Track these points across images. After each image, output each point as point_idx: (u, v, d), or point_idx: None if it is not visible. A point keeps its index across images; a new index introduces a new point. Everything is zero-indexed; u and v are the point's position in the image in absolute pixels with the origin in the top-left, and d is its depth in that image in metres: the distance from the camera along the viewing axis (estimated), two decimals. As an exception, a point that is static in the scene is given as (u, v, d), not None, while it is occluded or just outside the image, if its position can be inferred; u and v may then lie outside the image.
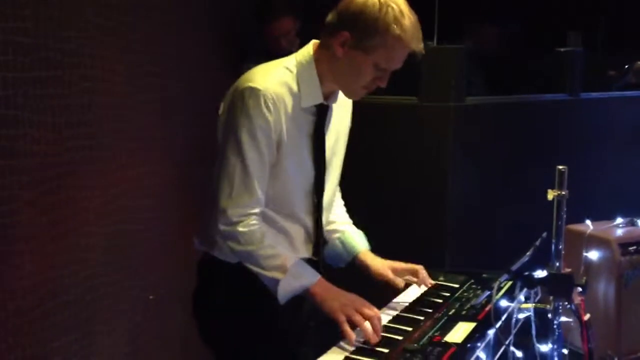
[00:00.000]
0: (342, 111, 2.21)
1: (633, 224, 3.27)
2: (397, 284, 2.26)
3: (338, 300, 1.99)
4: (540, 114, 3.71)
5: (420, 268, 2.31)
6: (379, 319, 1.98)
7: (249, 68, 2.71)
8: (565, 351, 2.16)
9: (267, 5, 3.53)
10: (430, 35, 3.60)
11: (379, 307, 2.13)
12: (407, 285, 2.36)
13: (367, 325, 1.93)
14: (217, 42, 3.56)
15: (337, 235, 2.32)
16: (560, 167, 1.95)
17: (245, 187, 1.99)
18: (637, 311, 3.12)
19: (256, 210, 2.02)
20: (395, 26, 1.92)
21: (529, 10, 5.08)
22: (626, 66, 5.57)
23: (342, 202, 2.42)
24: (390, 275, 2.26)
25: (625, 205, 3.40)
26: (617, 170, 3.89)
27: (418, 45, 1.98)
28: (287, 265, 2.00)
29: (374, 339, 1.91)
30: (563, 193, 1.95)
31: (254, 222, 2.01)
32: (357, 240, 2.32)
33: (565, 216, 1.97)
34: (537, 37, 4.63)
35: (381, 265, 2.27)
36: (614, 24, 5.74)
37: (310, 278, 2.04)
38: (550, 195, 1.95)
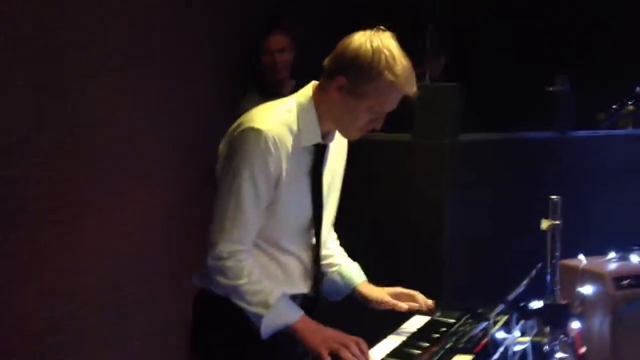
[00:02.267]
0: (338, 149, 2.26)
1: (626, 258, 3.29)
2: (400, 307, 2.29)
3: (319, 334, 2.03)
4: (531, 151, 3.76)
5: (417, 293, 2.34)
6: (364, 343, 2.01)
7: (247, 105, 2.76)
8: (562, 386, 2.16)
9: (269, 19, 3.68)
10: (423, 75, 3.67)
11: (374, 344, 2.15)
12: (402, 319, 2.38)
13: (348, 354, 1.97)
14: (217, 82, 3.63)
15: (334, 268, 2.36)
16: (554, 197, 1.99)
17: (238, 224, 2.03)
18: (633, 346, 3.12)
19: (245, 247, 2.07)
20: (387, 72, 1.99)
21: (518, 53, 5.19)
22: (613, 107, 5.67)
23: (336, 236, 2.46)
24: (392, 300, 2.29)
25: (617, 240, 3.43)
26: (608, 206, 3.92)
27: (411, 89, 2.05)
28: (270, 302, 2.04)
29: None
30: (557, 222, 1.99)
31: (242, 257, 2.05)
32: (355, 273, 2.36)
33: (559, 246, 2.00)
34: (525, 76, 4.71)
35: (381, 294, 2.31)
36: (600, 64, 5.85)
37: (293, 315, 2.08)
38: (545, 224, 1.98)
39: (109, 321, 2.79)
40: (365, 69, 1.99)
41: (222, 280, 2.04)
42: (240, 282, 2.03)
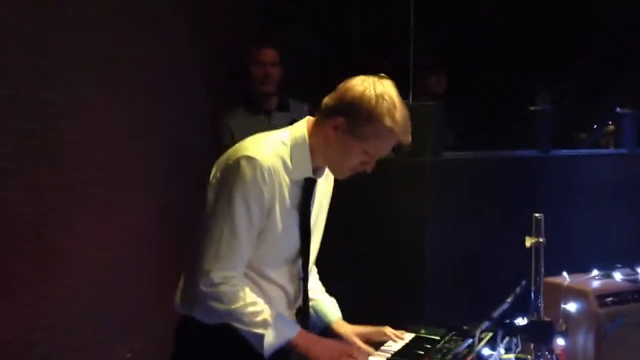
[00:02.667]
0: (326, 182, 2.29)
1: (609, 276, 3.31)
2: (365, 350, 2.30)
3: (321, 345, 2.10)
4: (513, 169, 3.79)
5: (386, 328, 2.36)
6: (365, 354, 2.10)
7: (232, 122, 2.74)
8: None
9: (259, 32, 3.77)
10: (406, 92, 3.69)
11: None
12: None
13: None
14: (207, 87, 3.63)
15: (311, 303, 2.35)
16: (537, 214, 2.00)
17: (231, 250, 2.04)
18: (617, 362, 3.13)
19: (239, 273, 2.08)
20: (387, 118, 2.03)
21: (499, 71, 5.24)
22: (594, 126, 5.73)
23: (316, 270, 2.47)
24: (358, 341, 2.31)
25: (599, 258, 3.45)
26: (590, 224, 3.96)
27: (407, 138, 2.10)
28: (269, 321, 2.06)
29: None
30: (540, 240, 1.99)
31: (235, 282, 2.06)
32: (330, 309, 2.39)
33: (543, 263, 2.00)
34: (507, 94, 4.76)
35: (350, 333, 2.33)
36: (582, 82, 5.92)
37: (292, 330, 2.11)
38: (528, 242, 1.99)
39: (98, 330, 2.75)
40: (366, 113, 2.03)
41: (217, 306, 2.04)
42: (237, 305, 2.04)
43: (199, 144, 3.26)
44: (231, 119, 3.54)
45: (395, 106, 2.04)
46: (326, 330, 2.35)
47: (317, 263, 2.41)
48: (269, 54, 3.68)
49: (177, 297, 2.21)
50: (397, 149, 3.29)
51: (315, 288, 2.41)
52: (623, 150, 4.56)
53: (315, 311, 2.36)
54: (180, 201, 3.05)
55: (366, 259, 3.36)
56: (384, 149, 2.10)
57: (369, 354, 2.09)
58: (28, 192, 2.32)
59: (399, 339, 2.34)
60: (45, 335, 2.45)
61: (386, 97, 2.04)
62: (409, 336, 2.44)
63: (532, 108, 4.05)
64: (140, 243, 3.12)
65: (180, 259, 2.24)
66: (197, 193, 2.16)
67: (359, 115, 2.04)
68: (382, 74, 2.10)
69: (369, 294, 2.66)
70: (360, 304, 2.37)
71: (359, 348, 2.11)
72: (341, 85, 2.10)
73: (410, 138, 2.11)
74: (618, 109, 4.70)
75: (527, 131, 4.02)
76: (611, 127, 5.47)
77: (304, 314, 2.26)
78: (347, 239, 3.29)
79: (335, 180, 2.35)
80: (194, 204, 2.15)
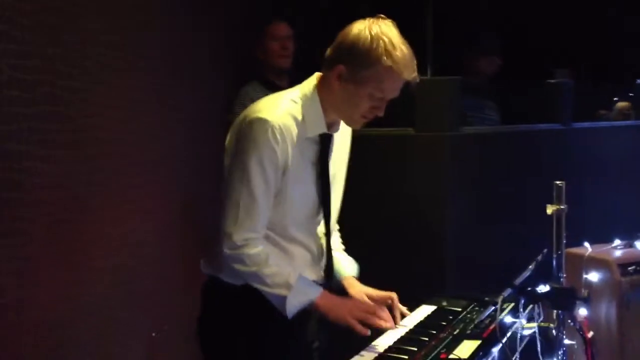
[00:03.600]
0: (343, 138, 2.28)
1: (631, 245, 3.29)
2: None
3: (342, 306, 2.12)
4: (533, 143, 3.77)
5: (394, 295, 2.33)
6: (386, 310, 2.14)
7: (251, 92, 2.73)
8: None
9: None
10: (424, 69, 3.68)
11: (381, 333, 2.17)
12: (410, 308, 2.38)
13: (376, 319, 2.09)
14: (217, 81, 3.64)
15: None
16: (558, 182, 2.00)
17: (251, 213, 2.06)
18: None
19: (259, 234, 2.10)
20: (385, 58, 2.00)
21: (519, 47, 5.20)
22: (615, 99, 5.69)
23: (338, 227, 2.47)
24: (368, 301, 2.29)
25: (621, 229, 3.43)
26: (611, 195, 3.93)
27: (411, 75, 2.05)
28: (291, 282, 2.09)
29: (390, 325, 2.10)
30: (562, 207, 1.99)
31: (257, 243, 2.09)
32: (344, 266, 2.37)
33: (564, 230, 2.00)
34: (526, 71, 4.73)
35: (357, 292, 2.32)
36: (598, 58, 5.86)
37: (314, 291, 2.13)
38: (550, 210, 1.99)
39: (121, 313, 2.79)
40: (363, 55, 2.01)
41: (241, 268, 2.08)
42: (259, 267, 2.07)
43: (219, 125, 3.28)
44: (251, 88, 3.55)
45: (393, 45, 2.01)
46: (338, 287, 2.33)
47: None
48: (284, 28, 3.68)
49: (202, 261, 2.24)
50: (413, 122, 3.33)
51: (335, 246, 2.39)
52: (644, 122, 4.53)
53: None
54: (203, 183, 3.08)
55: (386, 233, 3.37)
56: (390, 91, 2.07)
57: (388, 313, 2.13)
58: (51, 177, 2.35)
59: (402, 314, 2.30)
60: (72, 317, 2.48)
61: (383, 36, 2.01)
62: (430, 308, 2.45)
63: (552, 81, 4.02)
64: (165, 226, 3.15)
65: (204, 240, 2.27)
66: (219, 175, 2.17)
67: (357, 60, 2.02)
68: (381, 15, 2.07)
69: (388, 268, 2.66)
70: (381, 278, 2.37)
71: (381, 307, 2.13)
72: (340, 33, 2.09)
73: (415, 75, 2.06)
74: (638, 81, 4.67)
75: (547, 105, 3.99)
76: (623, 103, 5.43)
77: (329, 272, 2.26)
78: (365, 214, 3.30)
79: (355, 156, 2.36)
80: (216, 186, 2.17)
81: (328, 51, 2.11)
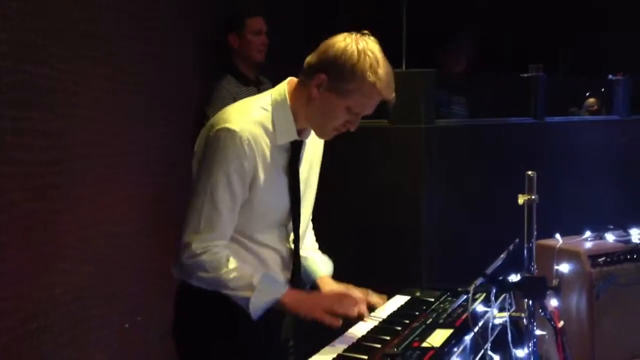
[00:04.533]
0: (314, 143, 2.27)
1: (601, 237, 3.35)
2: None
3: (309, 301, 2.10)
4: (507, 136, 3.81)
5: (368, 291, 2.31)
6: (352, 297, 2.10)
7: (228, 86, 2.71)
8: (540, 364, 2.20)
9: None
10: (399, 61, 3.70)
11: (355, 323, 2.17)
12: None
13: (343, 308, 2.06)
14: (196, 71, 3.63)
15: (302, 261, 2.34)
16: (530, 172, 2.02)
17: (211, 225, 2.04)
18: (610, 322, 3.17)
19: (220, 243, 2.08)
20: (370, 74, 2.00)
21: (493, 41, 5.24)
22: (587, 94, 5.77)
23: (311, 226, 2.47)
24: None
25: (591, 221, 3.49)
26: (582, 189, 3.99)
27: (390, 94, 2.07)
28: (254, 283, 2.06)
29: (359, 310, 2.06)
30: (533, 197, 2.01)
31: (217, 250, 2.06)
32: (319, 266, 2.36)
33: (535, 220, 2.03)
34: (500, 64, 4.77)
35: (332, 291, 2.30)
36: (573, 52, 5.93)
37: (279, 289, 2.11)
38: (521, 199, 2.01)
39: (95, 306, 2.78)
40: (348, 68, 2.01)
41: (201, 274, 2.06)
42: (221, 272, 2.05)
43: (195, 116, 3.27)
44: (227, 82, 3.55)
45: (378, 62, 2.02)
46: (314, 288, 2.32)
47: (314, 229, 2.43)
48: (262, 23, 3.69)
49: (173, 267, 2.22)
50: (387, 114, 3.34)
51: (309, 245, 2.40)
52: (615, 117, 4.59)
53: (305, 268, 2.33)
54: (178, 174, 3.07)
55: (361, 226, 3.39)
56: (367, 106, 2.08)
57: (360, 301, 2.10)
58: (27, 166, 2.33)
59: (378, 304, 2.29)
60: (46, 308, 2.47)
61: (369, 52, 2.02)
62: (404, 299, 2.48)
63: (526, 75, 4.06)
64: (140, 217, 3.14)
65: (180, 231, 2.26)
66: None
67: (342, 71, 2.01)
68: (365, 31, 2.07)
69: (362, 261, 2.68)
70: (356, 270, 2.38)
71: (346, 294, 2.11)
72: (323, 43, 2.08)
73: (394, 95, 2.08)
74: (610, 76, 4.73)
75: (521, 99, 4.03)
76: (592, 100, 5.52)
77: (294, 275, 2.25)
78: (341, 206, 3.32)
79: (329, 148, 2.35)
80: (191, 177, 2.16)
81: (309, 58, 2.10)
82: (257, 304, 2.05)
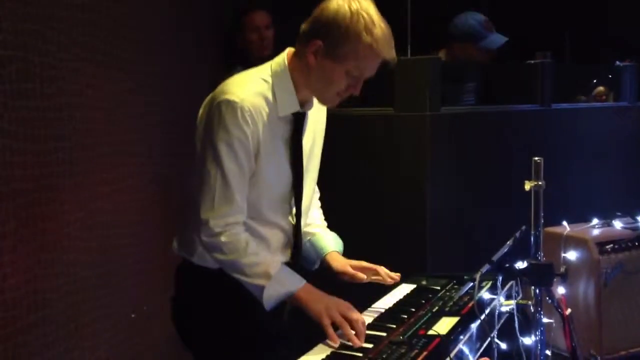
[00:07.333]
0: (317, 114, 2.23)
1: (609, 224, 3.33)
2: (359, 278, 2.27)
3: (322, 303, 2.01)
4: (513, 123, 3.78)
5: (380, 267, 2.31)
6: (363, 323, 1.99)
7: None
8: (548, 352, 2.18)
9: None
10: (404, 48, 3.67)
11: (362, 310, 2.15)
12: (389, 288, 2.39)
13: (350, 330, 1.95)
14: (198, 57, 3.61)
15: (308, 237, 2.33)
16: (536, 158, 2.00)
17: (226, 198, 2.00)
18: (618, 310, 3.16)
19: (238, 219, 2.04)
20: (365, 34, 1.95)
21: (499, 27, 5.19)
22: (594, 81, 5.72)
23: (319, 204, 2.43)
24: (351, 271, 2.26)
25: (599, 208, 3.47)
26: (589, 176, 3.97)
27: (390, 53, 2.01)
28: (270, 272, 2.02)
29: (358, 343, 1.92)
30: (540, 183, 1.99)
31: (236, 231, 2.03)
32: (327, 242, 2.32)
33: (542, 206, 2.00)
34: (507, 52, 4.73)
35: (342, 264, 2.28)
36: (578, 39, 5.88)
37: (296, 283, 2.06)
38: (528, 185, 1.99)
39: (100, 295, 2.78)
40: (342, 31, 1.96)
41: (219, 256, 2.03)
42: (238, 256, 2.01)
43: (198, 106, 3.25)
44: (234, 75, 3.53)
45: (373, 22, 1.96)
46: (323, 264, 2.30)
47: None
48: (262, 18, 3.64)
49: (175, 242, 2.20)
50: (396, 102, 3.31)
51: (316, 222, 2.36)
52: (623, 104, 4.55)
53: (313, 245, 2.31)
54: (180, 160, 3.05)
55: (366, 215, 3.37)
56: (368, 69, 2.02)
57: (363, 321, 2.00)
58: (25, 155, 2.31)
59: (392, 279, 2.29)
60: (50, 297, 2.46)
61: (363, 13, 1.96)
62: (410, 287, 2.46)
63: (532, 62, 4.02)
64: (143, 205, 3.13)
65: (180, 221, 2.24)
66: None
67: (336, 35, 1.96)
68: None
69: (369, 248, 2.64)
70: (362, 258, 2.36)
71: (354, 310, 2.01)
72: (316, 8, 2.03)
73: (394, 54, 2.02)
74: (617, 62, 4.68)
75: (528, 85, 4.00)
76: (601, 89, 5.48)
77: (295, 249, 2.21)
78: (346, 197, 3.30)
79: (334, 136, 2.32)
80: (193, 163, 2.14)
81: (303, 25, 2.05)
82: (271, 294, 2.01)
